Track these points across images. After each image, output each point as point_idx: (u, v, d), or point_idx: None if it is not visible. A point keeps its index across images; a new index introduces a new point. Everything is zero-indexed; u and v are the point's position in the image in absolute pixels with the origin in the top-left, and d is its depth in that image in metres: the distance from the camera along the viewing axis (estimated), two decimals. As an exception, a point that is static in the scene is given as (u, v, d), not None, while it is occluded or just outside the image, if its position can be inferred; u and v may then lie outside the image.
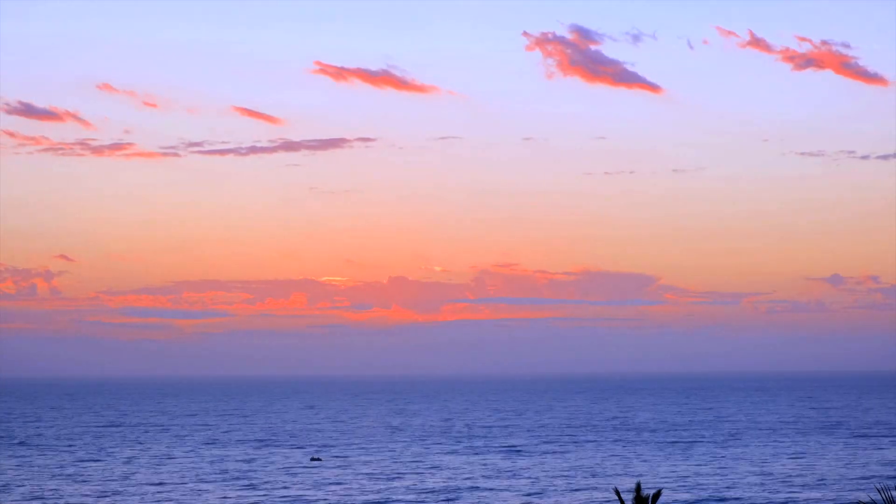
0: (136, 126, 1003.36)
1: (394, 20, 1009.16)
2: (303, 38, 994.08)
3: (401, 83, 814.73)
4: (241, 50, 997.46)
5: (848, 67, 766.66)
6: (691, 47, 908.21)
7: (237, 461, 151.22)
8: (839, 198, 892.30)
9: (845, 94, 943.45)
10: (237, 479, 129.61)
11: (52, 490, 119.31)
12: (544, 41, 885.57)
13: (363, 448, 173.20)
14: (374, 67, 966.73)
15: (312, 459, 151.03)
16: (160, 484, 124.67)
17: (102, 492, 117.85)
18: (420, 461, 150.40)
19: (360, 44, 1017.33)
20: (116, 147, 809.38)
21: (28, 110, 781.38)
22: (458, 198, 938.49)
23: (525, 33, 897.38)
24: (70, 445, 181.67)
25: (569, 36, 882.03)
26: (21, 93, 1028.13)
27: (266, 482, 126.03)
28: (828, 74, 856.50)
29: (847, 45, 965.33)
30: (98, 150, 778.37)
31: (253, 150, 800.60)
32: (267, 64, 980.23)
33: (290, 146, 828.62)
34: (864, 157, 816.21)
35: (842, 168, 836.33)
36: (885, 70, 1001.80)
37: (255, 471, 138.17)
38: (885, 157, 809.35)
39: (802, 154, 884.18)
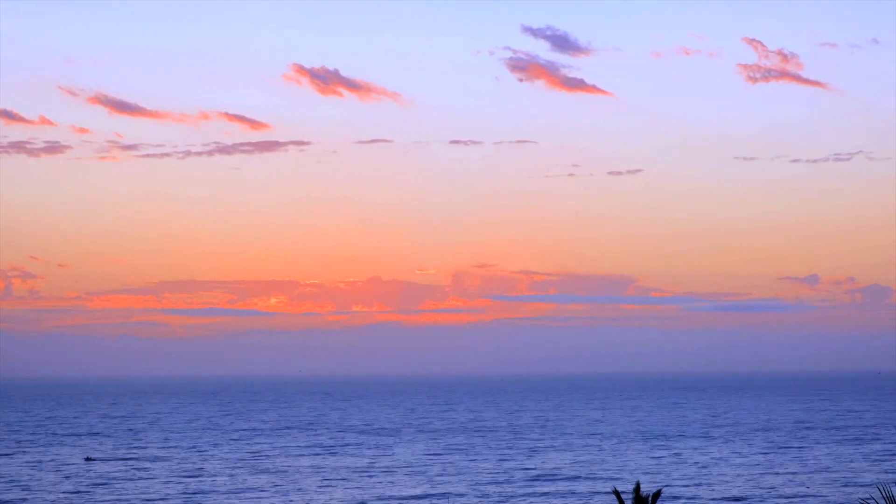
0: (107, 129, 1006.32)
1: (369, 26, 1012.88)
2: (272, 42, 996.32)
3: (362, 88, 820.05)
4: (201, 52, 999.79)
5: (790, 75, 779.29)
6: (638, 54, 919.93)
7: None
8: (774, 201, 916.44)
9: (784, 100, 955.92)
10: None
11: None
12: (494, 46, 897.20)
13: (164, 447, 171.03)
14: (316, 67, 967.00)
15: (87, 459, 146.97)
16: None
17: None
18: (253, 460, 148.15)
19: (311, 47, 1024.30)
20: (66, 148, 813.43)
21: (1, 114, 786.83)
22: (433, 199, 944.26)
23: (475, 39, 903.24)
24: None
25: (520, 41, 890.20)
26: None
27: (29, 484, 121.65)
28: (773, 84, 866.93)
29: (792, 53, 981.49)
30: (65, 151, 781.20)
31: (227, 150, 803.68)
32: (232, 66, 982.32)
33: (263, 147, 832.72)
34: (795, 161, 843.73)
35: (777, 172, 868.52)
36: (825, 77, 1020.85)
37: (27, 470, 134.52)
38: (814, 161, 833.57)
39: (737, 158, 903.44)
